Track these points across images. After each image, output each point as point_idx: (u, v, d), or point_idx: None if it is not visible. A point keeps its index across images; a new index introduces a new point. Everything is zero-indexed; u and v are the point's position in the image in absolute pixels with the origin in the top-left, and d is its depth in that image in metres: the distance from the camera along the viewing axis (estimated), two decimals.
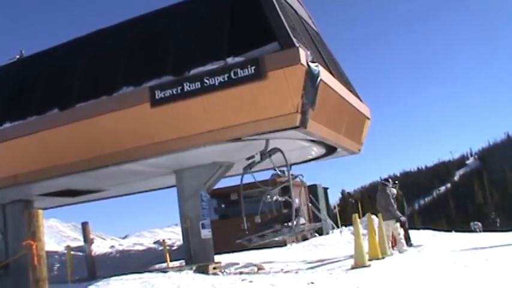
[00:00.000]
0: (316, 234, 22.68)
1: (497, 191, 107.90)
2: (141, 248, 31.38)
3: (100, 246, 31.95)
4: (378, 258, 11.63)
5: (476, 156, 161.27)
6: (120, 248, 31.52)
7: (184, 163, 13.10)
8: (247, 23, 11.20)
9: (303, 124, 10.26)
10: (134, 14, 13.37)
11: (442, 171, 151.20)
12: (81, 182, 14.19)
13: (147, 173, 14.10)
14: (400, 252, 13.68)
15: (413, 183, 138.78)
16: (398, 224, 14.05)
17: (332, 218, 27.50)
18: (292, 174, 13.06)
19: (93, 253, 15.67)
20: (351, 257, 11.31)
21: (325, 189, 29.93)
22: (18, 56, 15.57)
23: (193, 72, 10.95)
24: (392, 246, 14.24)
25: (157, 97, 11.08)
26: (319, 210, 26.11)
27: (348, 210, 43.90)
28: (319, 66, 10.50)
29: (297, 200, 23.17)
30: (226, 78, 10.43)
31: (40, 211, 5.18)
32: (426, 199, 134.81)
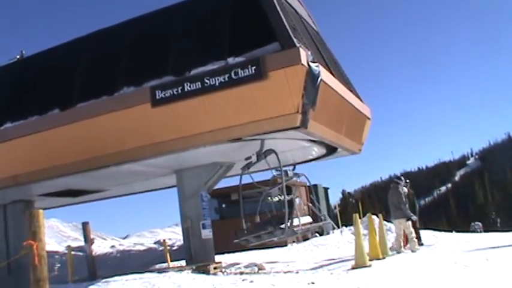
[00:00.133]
0: (317, 234, 22.69)
1: (498, 191, 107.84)
2: (141, 248, 31.35)
3: (101, 246, 31.94)
4: (378, 258, 11.64)
5: (477, 156, 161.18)
6: (121, 248, 31.51)
7: (185, 163, 13.10)
8: (248, 23, 11.19)
9: (304, 124, 10.26)
10: (135, 14, 13.37)
11: (442, 171, 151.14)
12: (81, 182, 14.20)
13: (148, 173, 14.10)
14: (412, 251, 13.61)
15: (413, 183, 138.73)
16: (410, 223, 13.95)
17: (333, 218, 27.49)
18: (296, 174, 13.09)
19: (93, 253, 15.66)
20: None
21: (326, 189, 29.95)
22: (18, 56, 15.57)
23: (193, 72, 10.95)
24: (404, 245, 14.21)
25: (157, 97, 11.08)
26: (319, 210, 26.09)
27: (348, 210, 43.89)
28: (320, 66, 10.50)
29: (297, 200, 23.28)
30: (226, 79, 10.43)
31: (41, 211, 5.18)
32: (427, 199, 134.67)
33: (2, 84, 14.76)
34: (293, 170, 13.45)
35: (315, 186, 27.09)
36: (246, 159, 11.69)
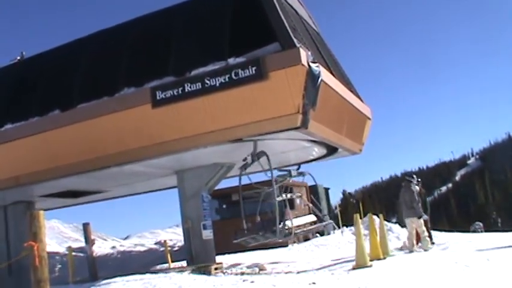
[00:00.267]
0: (318, 235, 22.68)
1: (498, 191, 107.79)
2: (142, 248, 31.36)
3: (101, 247, 31.94)
4: (379, 259, 11.63)
5: (477, 156, 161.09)
6: (122, 248, 31.52)
7: (186, 164, 13.10)
8: (248, 24, 11.19)
9: (304, 124, 10.26)
10: (135, 15, 13.37)
11: (443, 171, 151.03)
12: (82, 182, 14.20)
13: (149, 174, 14.10)
14: (425, 250, 13.55)
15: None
16: (422, 221, 13.87)
17: (333, 218, 27.48)
18: (301, 173, 13.09)
19: (94, 254, 15.65)
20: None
21: (327, 189, 29.94)
22: (19, 57, 15.58)
23: (194, 72, 10.95)
24: (416, 243, 14.15)
25: (158, 98, 11.09)
26: (320, 210, 26.09)
27: (349, 211, 43.92)
28: (320, 66, 10.50)
29: (298, 201, 23.29)
30: (227, 79, 10.43)
31: (41, 212, 5.19)
32: (427, 199, 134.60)
33: (3, 85, 14.76)
34: (297, 169, 13.45)
35: (316, 186, 27.07)
36: (243, 160, 11.70)
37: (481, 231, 28.16)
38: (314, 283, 7.77)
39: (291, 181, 13.47)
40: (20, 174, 13.33)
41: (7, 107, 14.08)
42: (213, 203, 18.13)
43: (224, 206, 23.91)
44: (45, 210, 7.22)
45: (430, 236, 14.86)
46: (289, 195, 13.93)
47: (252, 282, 8.14)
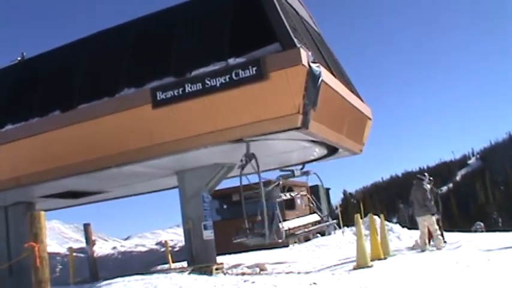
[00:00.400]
0: (319, 235, 22.67)
1: (499, 191, 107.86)
2: (143, 249, 31.31)
3: (102, 248, 31.90)
4: (380, 259, 11.63)
5: (478, 156, 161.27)
6: (122, 249, 31.47)
7: (186, 164, 13.10)
8: (249, 24, 11.18)
9: (305, 125, 10.25)
10: (135, 15, 13.38)
11: (444, 171, 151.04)
12: (83, 183, 14.20)
13: (149, 174, 14.10)
14: (437, 248, 13.47)
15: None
16: (434, 219, 13.80)
17: (334, 218, 27.45)
18: (305, 172, 13.08)
19: (95, 254, 15.67)
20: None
21: (327, 189, 29.92)
22: (19, 58, 15.59)
23: (194, 73, 10.94)
24: (428, 242, 14.07)
25: (158, 98, 11.08)
26: (321, 210, 26.07)
27: (349, 211, 43.92)
28: (321, 66, 10.49)
29: (299, 201, 23.31)
30: (227, 79, 10.42)
31: (42, 213, 5.18)
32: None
33: (4, 86, 14.76)
34: (301, 169, 13.43)
35: (316, 186, 27.07)
36: (240, 161, 11.72)
37: (482, 231, 28.17)
38: (315, 283, 7.76)
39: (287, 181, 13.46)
40: (20, 175, 13.32)
41: (7, 108, 14.08)
42: (213, 204, 18.14)
43: (225, 207, 23.91)
44: (45, 210, 7.22)
45: (442, 235, 14.72)
46: (290, 195, 13.94)
47: (253, 282, 8.13)
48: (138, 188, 17.34)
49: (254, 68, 10.18)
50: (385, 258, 11.83)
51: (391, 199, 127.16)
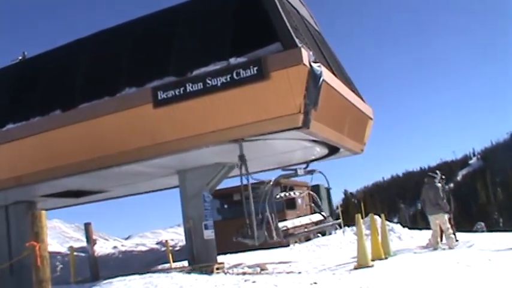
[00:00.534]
0: (319, 235, 22.66)
1: (500, 191, 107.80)
2: (143, 248, 31.33)
3: (103, 247, 31.92)
4: (381, 259, 11.63)
5: (479, 156, 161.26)
6: (123, 248, 31.49)
7: (187, 164, 13.11)
8: (250, 24, 11.18)
9: (306, 124, 10.25)
10: (136, 15, 13.36)
11: (445, 171, 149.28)
12: (84, 182, 14.21)
13: (150, 174, 14.10)
14: (450, 247, 13.34)
15: (416, 184, 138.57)
16: (446, 218, 13.66)
17: (336, 218, 27.41)
18: (309, 172, 13.07)
19: (96, 254, 15.67)
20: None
21: (328, 189, 29.90)
22: (20, 57, 15.59)
23: (195, 72, 10.94)
24: (441, 240, 13.94)
25: (159, 98, 11.08)
26: (321, 210, 26.07)
27: (350, 211, 43.90)
28: (322, 66, 10.49)
29: (299, 201, 23.30)
30: (228, 79, 10.42)
31: (43, 212, 5.17)
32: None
33: (5, 85, 14.76)
34: (305, 168, 13.41)
35: (317, 186, 27.06)
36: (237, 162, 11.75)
37: (483, 231, 28.15)
38: (315, 283, 7.77)
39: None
40: (21, 174, 13.33)
41: (9, 107, 14.09)
42: (214, 203, 18.15)
43: (226, 206, 23.92)
44: (46, 210, 7.24)
45: (454, 234, 14.46)
46: (294, 194, 13.93)
47: (254, 282, 8.14)
48: (139, 188, 17.35)
49: (255, 68, 10.18)
50: (385, 258, 11.83)
51: (392, 199, 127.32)
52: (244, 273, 12.14)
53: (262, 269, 13.09)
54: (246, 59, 10.50)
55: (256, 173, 14.45)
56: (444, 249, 13.41)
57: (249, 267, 14.01)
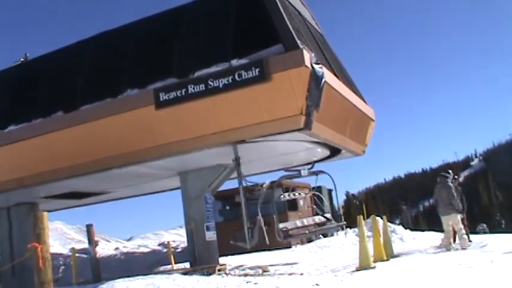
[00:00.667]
0: (321, 236, 22.63)
1: (502, 193, 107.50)
2: (145, 250, 31.32)
3: (104, 249, 31.93)
4: (382, 260, 11.61)
5: (481, 158, 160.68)
6: (125, 250, 31.49)
7: (189, 165, 13.10)
8: (252, 25, 11.18)
9: (307, 126, 10.25)
10: (138, 16, 13.39)
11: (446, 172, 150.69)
12: (86, 184, 14.21)
13: (152, 175, 14.10)
14: (463, 248, 13.12)
15: (418, 185, 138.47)
16: (459, 218, 13.43)
17: (339, 220, 27.32)
18: (314, 173, 13.06)
19: (97, 255, 15.68)
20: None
21: (330, 190, 29.86)
22: (22, 59, 15.60)
23: (197, 74, 10.95)
24: (453, 241, 13.75)
25: (161, 99, 11.09)
26: (323, 212, 26.03)
27: (352, 212, 43.84)
28: (324, 68, 10.49)
29: (301, 202, 23.25)
30: (230, 80, 10.42)
31: (45, 213, 5.19)
32: (431, 201, 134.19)
33: (7, 87, 14.78)
34: (310, 169, 13.39)
35: (319, 187, 27.00)
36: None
37: (485, 233, 28.09)
38: (317, 285, 7.75)
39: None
40: (23, 175, 13.35)
41: (10, 109, 14.10)
42: (216, 205, 18.14)
43: (227, 208, 23.88)
44: (48, 211, 7.24)
45: (467, 234, 14.21)
46: (299, 194, 13.91)
47: (256, 283, 8.13)
48: (141, 189, 17.34)
49: (257, 69, 10.18)
50: (387, 260, 11.81)
51: (394, 200, 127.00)
52: (246, 275, 12.12)
53: (264, 271, 13.07)
54: (248, 60, 10.51)
55: (259, 174, 14.48)
56: (457, 249, 13.26)
57: (250, 268, 14.00)
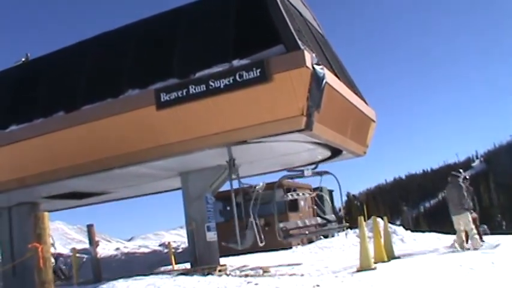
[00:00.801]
0: (322, 237, 22.61)
1: (503, 194, 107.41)
2: (146, 250, 31.40)
3: (105, 249, 32.03)
4: (383, 261, 11.59)
5: (482, 159, 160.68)
6: (126, 250, 31.58)
7: (190, 165, 13.10)
8: (253, 26, 11.19)
9: (308, 127, 10.25)
10: (140, 17, 13.38)
11: (448, 173, 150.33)
12: (86, 184, 14.21)
13: (153, 176, 14.10)
14: (475, 248, 12.90)
15: (418, 186, 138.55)
16: (470, 218, 13.20)
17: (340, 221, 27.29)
18: (318, 173, 13.06)
19: (98, 255, 15.68)
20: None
21: (331, 191, 29.83)
22: (24, 59, 15.61)
23: (198, 74, 10.95)
24: (466, 241, 13.54)
25: (162, 100, 11.09)
26: (324, 212, 26.01)
27: (353, 213, 43.80)
28: (325, 68, 10.49)
29: (302, 203, 23.24)
30: (231, 81, 10.43)
31: (46, 214, 5.18)
32: (432, 202, 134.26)
33: (8, 87, 14.78)
34: (314, 169, 13.38)
35: (320, 188, 26.96)
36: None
37: (486, 234, 28.02)
38: (318, 285, 7.75)
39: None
40: (24, 175, 13.35)
41: (12, 109, 14.10)
42: (217, 205, 18.13)
43: (228, 208, 23.84)
44: (49, 211, 7.23)
45: (479, 234, 13.96)
46: (303, 194, 13.91)
47: (256, 284, 8.13)
48: (142, 189, 17.34)
49: (258, 70, 10.18)
50: (388, 261, 11.79)
51: (395, 201, 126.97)
52: (246, 275, 12.11)
53: (264, 271, 13.06)
54: (249, 61, 10.51)
55: (260, 175, 14.48)
56: (469, 249, 13.13)
57: (251, 269, 13.99)
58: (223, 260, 14.24)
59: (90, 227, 15.21)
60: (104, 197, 17.65)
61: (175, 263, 15.88)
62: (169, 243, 21.18)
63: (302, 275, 11.05)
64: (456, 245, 13.66)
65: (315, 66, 10.10)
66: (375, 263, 10.89)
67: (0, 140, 13.51)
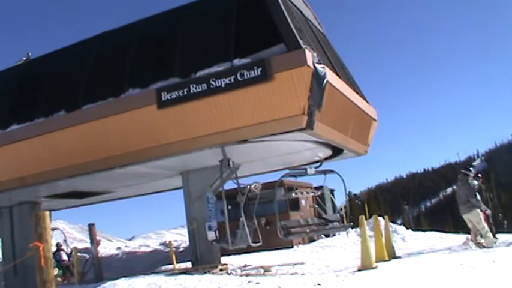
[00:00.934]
0: (323, 236, 22.61)
1: (504, 193, 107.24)
2: (147, 249, 31.39)
3: (106, 248, 32.01)
4: (384, 260, 11.59)
5: (483, 158, 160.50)
6: (127, 249, 31.58)
7: (191, 165, 13.10)
8: (254, 25, 11.18)
9: (310, 126, 10.24)
10: (141, 16, 13.38)
11: (448, 172, 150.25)
12: (88, 183, 14.22)
13: (154, 175, 14.11)
14: (488, 246, 12.69)
15: (419, 185, 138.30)
16: (481, 216, 12.94)
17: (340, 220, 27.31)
18: (321, 172, 13.05)
19: (99, 255, 15.68)
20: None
21: (332, 190, 29.83)
22: (25, 58, 15.62)
23: (199, 74, 10.95)
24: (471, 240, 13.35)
25: (163, 99, 11.09)
26: (325, 212, 25.98)
27: (354, 212, 43.80)
28: (326, 67, 10.48)
29: (303, 202, 23.23)
30: (232, 80, 10.43)
31: (47, 213, 5.20)
32: (433, 201, 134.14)
33: (9, 86, 14.79)
34: (317, 167, 13.37)
35: (321, 187, 26.94)
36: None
37: None
38: (319, 284, 7.75)
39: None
40: (25, 175, 13.36)
41: (13, 108, 14.11)
42: (218, 204, 18.12)
43: (229, 207, 23.83)
44: (50, 210, 7.24)
45: (492, 231, 13.55)
46: (306, 192, 13.91)
47: (258, 283, 8.13)
48: (143, 189, 17.35)
49: (259, 69, 10.18)
50: (389, 260, 11.79)
51: (396, 200, 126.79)
52: (247, 275, 12.11)
53: (265, 270, 13.06)
54: (250, 60, 10.52)
55: (261, 174, 14.48)
56: (485, 246, 12.99)
57: (252, 268, 13.99)
58: (224, 259, 14.23)
59: (91, 226, 15.21)
60: (105, 196, 17.66)
61: (177, 262, 15.84)
62: (170, 242, 21.15)
63: (303, 274, 11.05)
64: (470, 243, 13.51)
65: (316, 65, 10.09)
66: (376, 262, 10.87)
67: (1, 139, 13.53)
